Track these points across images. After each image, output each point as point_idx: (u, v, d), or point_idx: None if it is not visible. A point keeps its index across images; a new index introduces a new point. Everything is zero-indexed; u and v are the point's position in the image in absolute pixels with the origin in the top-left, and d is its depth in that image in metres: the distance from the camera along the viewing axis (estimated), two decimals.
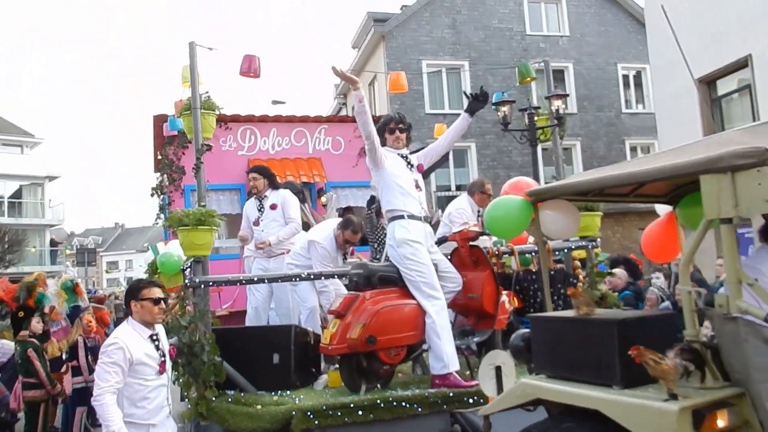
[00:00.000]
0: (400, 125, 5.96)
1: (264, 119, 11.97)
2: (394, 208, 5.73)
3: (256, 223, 7.78)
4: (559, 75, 27.51)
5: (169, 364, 4.70)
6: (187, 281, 5.73)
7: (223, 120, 11.71)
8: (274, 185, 7.91)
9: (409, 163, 5.92)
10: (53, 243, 45.74)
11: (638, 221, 22.44)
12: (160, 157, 12.72)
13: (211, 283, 5.97)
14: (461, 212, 7.62)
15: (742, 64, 15.90)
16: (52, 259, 44.41)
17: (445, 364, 5.45)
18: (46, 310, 7.99)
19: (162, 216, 13.80)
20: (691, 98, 16.57)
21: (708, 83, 16.66)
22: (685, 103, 16.96)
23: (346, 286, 6.57)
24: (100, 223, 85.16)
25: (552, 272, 6.81)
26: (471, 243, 6.15)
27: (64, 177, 46.86)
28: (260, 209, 7.82)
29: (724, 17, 16.23)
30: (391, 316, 5.40)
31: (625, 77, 28.73)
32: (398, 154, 5.91)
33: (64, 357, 8.32)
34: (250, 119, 11.94)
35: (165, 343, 4.74)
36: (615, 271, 9.15)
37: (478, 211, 7.79)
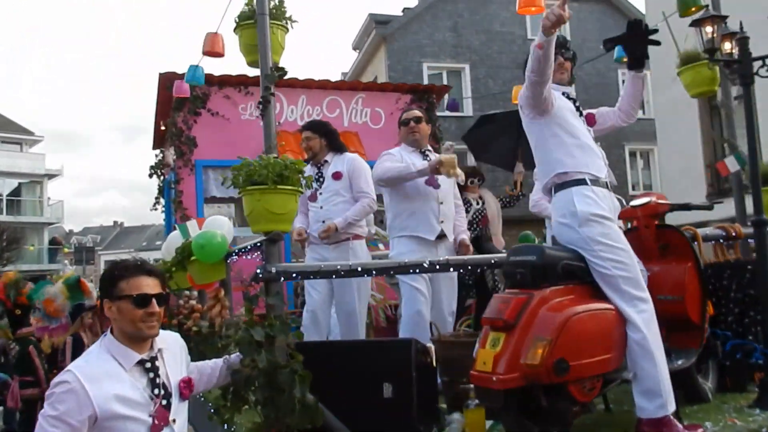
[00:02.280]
0: (563, 50, 3.80)
1: (292, 83, 9.59)
2: (568, 169, 3.59)
3: (313, 197, 5.36)
4: None
5: (180, 410, 2.65)
6: (258, 272, 3.43)
7: (243, 83, 9.36)
8: (337, 147, 5.50)
9: (578, 108, 3.79)
10: (53, 242, 43.13)
11: None
12: (163, 127, 10.30)
13: (295, 275, 3.67)
14: None
15: None
16: (51, 258, 41.78)
17: (663, 403, 3.25)
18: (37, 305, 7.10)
19: (162, 200, 11.44)
20: (690, 105, 15.30)
21: None
22: (684, 109, 15.83)
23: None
24: (99, 222, 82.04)
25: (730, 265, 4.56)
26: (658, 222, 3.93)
27: (64, 175, 43.87)
28: (318, 179, 5.37)
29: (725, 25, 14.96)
30: (586, 328, 3.22)
31: (625, 83, 26.63)
32: (564, 94, 3.77)
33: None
34: (275, 83, 9.57)
35: (175, 372, 2.68)
36: None
37: None
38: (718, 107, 15.33)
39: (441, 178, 4.89)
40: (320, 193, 5.33)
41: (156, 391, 2.52)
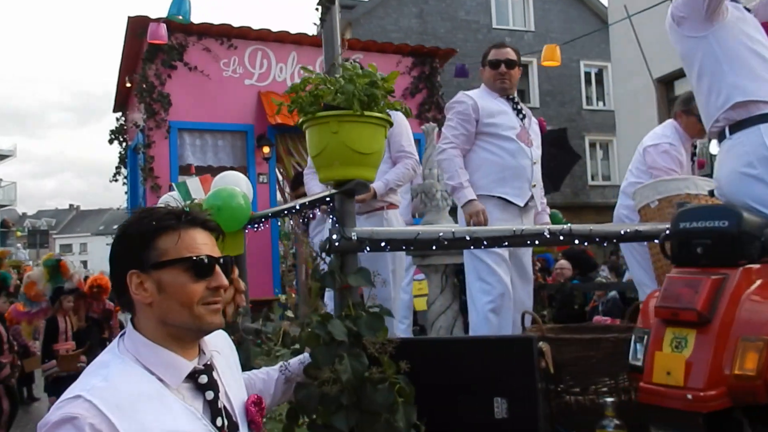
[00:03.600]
0: None
1: (282, 38, 8.11)
2: (753, 97, 2.48)
3: None
4: (523, 70, 24.61)
5: None
6: (334, 238, 2.02)
7: (226, 34, 7.82)
8: None
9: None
10: (4, 224, 40.25)
11: (594, 215, 20.69)
12: (129, 84, 8.63)
13: (384, 244, 2.26)
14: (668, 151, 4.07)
15: None
16: (2, 241, 38.84)
17: None
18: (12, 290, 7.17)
19: (124, 170, 9.73)
20: (649, 97, 15.59)
21: (666, 83, 15.43)
22: (643, 101, 15.91)
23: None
24: (54, 205, 78.06)
25: None
26: None
27: (17, 156, 41.07)
28: None
29: None
30: None
31: (587, 74, 26.38)
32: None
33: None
34: (263, 36, 8.00)
35: (234, 388, 1.57)
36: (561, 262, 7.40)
37: (693, 148, 4.32)
38: (674, 100, 15.15)
39: (533, 134, 3.83)
40: None
41: (219, 421, 1.45)
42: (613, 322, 4.76)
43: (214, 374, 1.50)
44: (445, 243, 2.29)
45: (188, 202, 3.12)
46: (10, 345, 6.20)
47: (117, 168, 9.71)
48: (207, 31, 7.69)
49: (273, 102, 7.00)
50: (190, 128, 7.65)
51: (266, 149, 7.70)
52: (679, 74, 15.25)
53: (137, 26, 7.35)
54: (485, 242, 2.43)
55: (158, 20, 6.75)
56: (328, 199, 2.28)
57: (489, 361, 2.27)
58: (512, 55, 3.85)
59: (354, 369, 1.76)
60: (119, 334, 1.47)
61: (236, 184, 3.17)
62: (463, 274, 3.74)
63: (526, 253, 3.82)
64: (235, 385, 1.56)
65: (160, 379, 1.39)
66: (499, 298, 3.42)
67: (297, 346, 2.59)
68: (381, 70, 7.09)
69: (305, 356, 1.92)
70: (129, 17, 7.36)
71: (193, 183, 3.36)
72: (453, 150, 3.63)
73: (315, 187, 4.04)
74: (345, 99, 2.13)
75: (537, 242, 2.53)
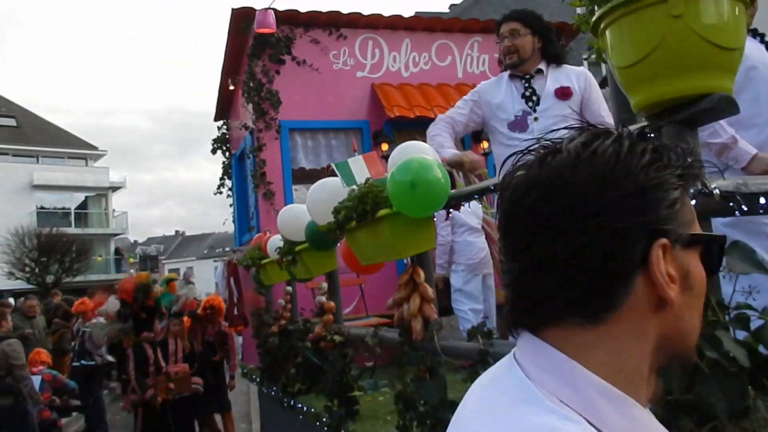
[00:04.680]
0: None
1: (393, 24, 7.17)
2: None
3: (521, 125, 3.15)
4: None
5: None
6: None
7: (334, 23, 7.01)
8: (555, 55, 3.28)
9: None
10: (118, 252, 41.96)
11: None
12: (232, 86, 7.94)
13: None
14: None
15: None
16: (117, 268, 40.61)
17: None
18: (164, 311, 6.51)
19: (228, 180, 9.10)
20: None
21: None
22: None
23: None
24: (160, 232, 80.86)
25: None
26: None
27: (127, 187, 42.34)
28: (528, 97, 3.18)
29: None
30: None
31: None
32: None
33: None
34: (374, 23, 7.12)
35: None
36: None
37: None
38: None
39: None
40: (536, 119, 3.12)
41: None
42: None
43: None
44: None
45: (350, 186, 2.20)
46: (156, 367, 5.69)
47: (221, 179, 9.10)
48: (314, 20, 6.87)
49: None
50: (302, 128, 6.84)
51: (385, 146, 6.79)
52: None
53: (241, 19, 6.64)
54: None
55: (265, 10, 6.02)
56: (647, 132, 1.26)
57: None
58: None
59: None
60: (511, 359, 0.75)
61: (421, 151, 2.22)
62: None
63: None
64: None
65: None
66: None
67: None
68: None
69: None
70: (233, 9, 6.62)
71: (357, 163, 2.44)
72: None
73: (446, 143, 3.24)
74: None
75: None
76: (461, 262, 5.57)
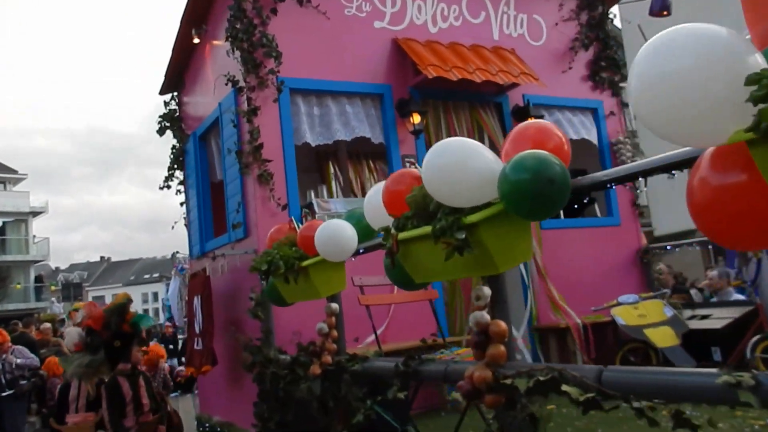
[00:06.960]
0: None
1: None
2: None
3: None
4: None
5: None
6: None
7: None
8: None
9: None
10: (38, 279, 38.39)
11: None
12: (196, 40, 6.07)
13: None
14: None
15: None
16: (37, 296, 37.34)
17: None
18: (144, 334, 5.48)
19: (179, 172, 7.17)
20: None
21: None
22: None
23: None
24: (82, 258, 75.55)
25: None
26: None
27: (48, 212, 38.71)
28: None
29: None
30: None
31: None
32: None
33: None
34: None
35: None
36: None
37: None
38: None
39: None
40: None
41: None
42: None
43: None
44: None
45: None
46: (136, 404, 4.65)
47: (170, 170, 7.08)
48: None
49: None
50: (306, 89, 5.05)
51: (416, 117, 5.07)
52: None
53: None
54: None
55: None
56: None
57: None
58: None
59: None
60: None
61: None
62: None
63: None
64: None
65: None
66: None
67: None
68: (540, 14, 4.24)
69: None
70: None
71: None
72: None
73: None
74: None
75: None
76: None
